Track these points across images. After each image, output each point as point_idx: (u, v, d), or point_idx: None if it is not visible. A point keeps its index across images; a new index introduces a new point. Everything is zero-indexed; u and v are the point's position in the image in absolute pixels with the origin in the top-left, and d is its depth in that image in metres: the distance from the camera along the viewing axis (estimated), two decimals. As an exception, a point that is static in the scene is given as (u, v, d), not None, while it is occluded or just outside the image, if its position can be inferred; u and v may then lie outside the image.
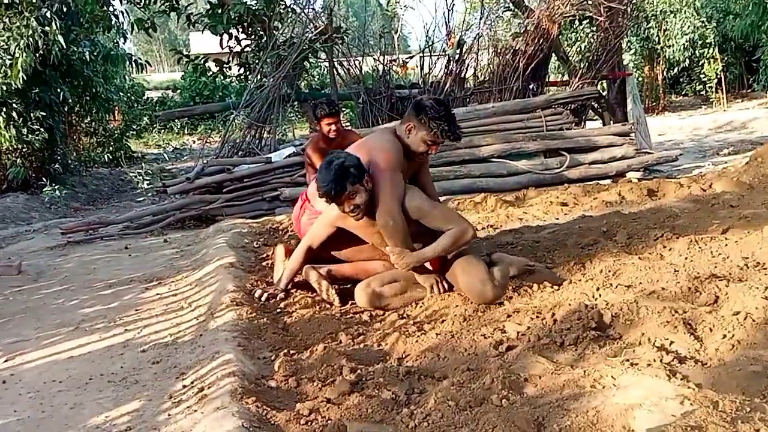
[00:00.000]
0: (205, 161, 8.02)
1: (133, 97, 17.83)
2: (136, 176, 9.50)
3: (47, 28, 8.76)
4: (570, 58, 10.88)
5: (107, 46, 11.67)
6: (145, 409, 2.80)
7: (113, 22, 10.65)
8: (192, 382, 2.95)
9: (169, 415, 2.69)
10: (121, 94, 15.48)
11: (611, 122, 9.67)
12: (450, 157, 7.60)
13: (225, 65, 11.10)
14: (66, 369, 3.36)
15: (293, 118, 14.21)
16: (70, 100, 10.88)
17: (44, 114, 9.92)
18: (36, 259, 6.12)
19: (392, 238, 3.71)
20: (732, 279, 3.31)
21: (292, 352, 3.22)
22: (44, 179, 9.81)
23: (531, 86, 9.61)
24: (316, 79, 14.25)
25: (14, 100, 9.45)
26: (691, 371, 2.45)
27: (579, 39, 12.74)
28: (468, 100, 9.66)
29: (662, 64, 18.09)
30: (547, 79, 10.60)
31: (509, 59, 9.51)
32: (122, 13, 10.90)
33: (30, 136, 9.69)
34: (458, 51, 9.69)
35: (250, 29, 10.14)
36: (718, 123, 13.50)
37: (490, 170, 7.67)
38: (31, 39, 8.73)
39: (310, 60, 10.12)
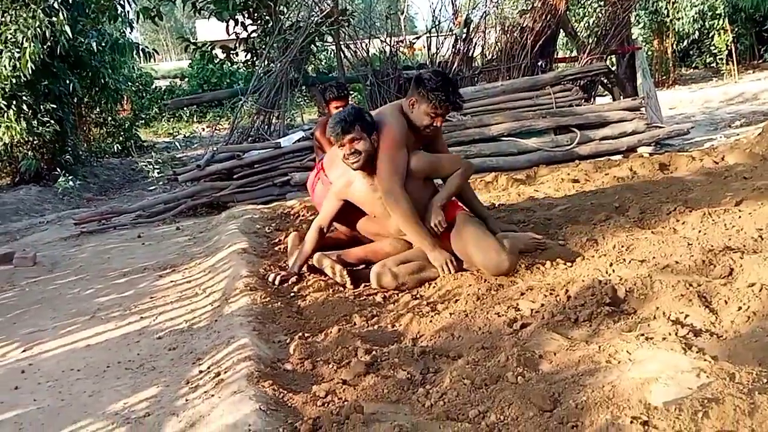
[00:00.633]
0: (214, 148, 8.02)
1: (141, 87, 17.87)
2: (146, 165, 9.54)
3: (54, 19, 8.77)
4: (578, 34, 10.79)
5: (114, 36, 11.66)
6: (162, 395, 2.83)
7: (119, 12, 10.63)
8: (208, 367, 2.98)
9: (186, 400, 2.72)
10: (130, 83, 15.52)
11: (621, 97, 9.58)
12: (460, 137, 7.57)
13: (232, 51, 11.08)
14: (83, 357, 3.39)
15: (301, 102, 14.20)
16: (79, 91, 10.90)
17: (54, 106, 9.96)
18: (50, 250, 6.16)
19: (396, 214, 3.80)
20: (746, 251, 3.29)
21: (306, 335, 3.23)
22: (56, 171, 9.86)
23: (539, 63, 9.54)
24: (323, 63, 14.22)
25: (24, 93, 9.49)
26: (706, 344, 2.44)
27: (587, 14, 12.65)
28: (476, 79, 9.60)
29: (672, 37, 17.89)
30: (555, 56, 10.51)
31: (517, 37, 9.44)
32: (128, 2, 10.88)
33: (40, 128, 9.74)
34: (465, 30, 9.61)
35: (255, 14, 10.12)
36: (729, 95, 13.37)
37: (501, 149, 7.64)
38: (38, 30, 8.76)
39: (317, 44, 10.09)
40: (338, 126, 3.78)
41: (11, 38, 8.91)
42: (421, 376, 2.64)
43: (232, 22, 10.18)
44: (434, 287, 3.69)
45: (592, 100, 9.60)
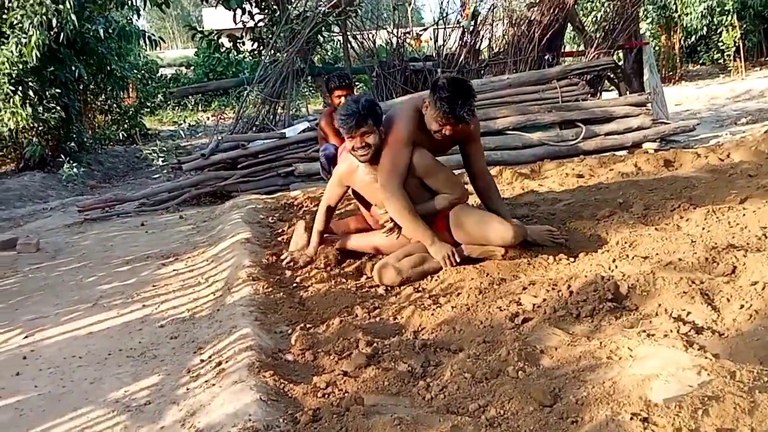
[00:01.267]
0: (219, 137, 8.02)
1: (147, 75, 17.84)
2: (151, 153, 9.53)
3: (60, 6, 8.74)
4: (586, 28, 10.75)
5: (121, 23, 11.64)
6: (163, 384, 2.84)
7: (126, -1, 10.61)
8: (210, 357, 2.98)
9: (187, 389, 2.73)
10: (135, 71, 15.49)
11: (627, 92, 9.55)
12: (465, 130, 7.56)
13: (238, 40, 11.06)
14: (85, 345, 3.41)
15: (307, 93, 14.18)
16: (84, 78, 10.88)
17: (59, 92, 9.95)
18: (53, 237, 6.17)
19: (391, 208, 3.81)
20: (750, 249, 3.28)
21: (308, 326, 3.24)
22: (61, 157, 9.87)
23: (546, 57, 9.50)
24: (329, 54, 14.19)
25: (30, 79, 9.47)
26: (708, 341, 2.44)
27: (595, 8, 12.60)
28: (483, 72, 9.58)
29: (679, 33, 17.81)
30: (562, 50, 10.48)
31: (524, 30, 9.41)
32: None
33: (46, 114, 9.73)
34: (473, 22, 9.58)
35: (263, 3, 10.09)
36: (735, 92, 13.31)
37: (506, 142, 7.63)
38: (44, 17, 8.74)
39: (324, 34, 10.05)
40: (352, 119, 3.70)
41: (17, 24, 8.91)
42: (422, 369, 2.64)
43: (239, 11, 10.16)
44: (436, 280, 3.69)
45: (599, 95, 9.57)
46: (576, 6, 10.66)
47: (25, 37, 8.88)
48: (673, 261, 3.26)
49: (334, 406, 2.32)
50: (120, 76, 11.92)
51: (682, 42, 18.10)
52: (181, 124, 16.07)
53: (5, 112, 9.50)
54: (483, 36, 9.75)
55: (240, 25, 10.43)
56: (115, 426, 2.52)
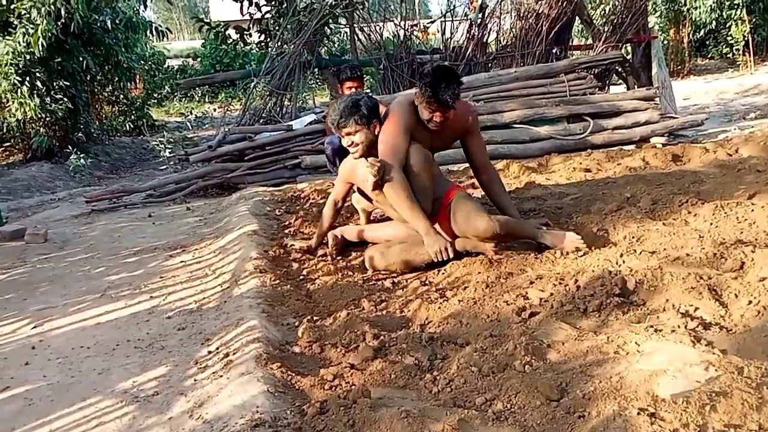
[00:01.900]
0: (226, 129, 8.02)
1: (154, 66, 17.84)
2: (158, 145, 9.55)
3: (68, -4, 8.76)
4: (594, 21, 10.69)
5: (128, 14, 11.64)
6: (171, 375, 2.85)
7: (134, -11, 10.63)
8: (217, 348, 3.00)
9: (195, 380, 2.74)
10: (143, 62, 15.49)
11: (635, 86, 9.52)
12: (472, 124, 7.54)
13: (245, 32, 11.05)
14: (93, 335, 3.42)
15: (314, 85, 14.16)
16: (92, 69, 10.89)
17: (67, 83, 9.97)
18: (61, 228, 6.19)
19: (390, 193, 3.75)
20: (758, 245, 3.26)
21: (315, 318, 3.25)
22: (68, 148, 9.89)
23: (554, 50, 9.46)
24: (336, 46, 14.16)
25: (37, 69, 9.49)
26: (715, 337, 2.44)
27: (603, 1, 12.52)
28: (490, 65, 9.55)
29: (688, 27, 17.72)
30: (570, 43, 10.43)
31: (532, 23, 9.37)
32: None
33: (53, 105, 9.75)
34: (480, 15, 9.55)
35: (270, -5, 10.08)
36: (744, 86, 13.24)
37: (513, 136, 7.61)
38: (52, 7, 8.74)
39: (331, 26, 10.04)
40: (335, 119, 3.91)
41: (26, 14, 8.92)
42: (429, 362, 2.65)
43: (246, 3, 10.15)
44: (443, 274, 3.69)
45: (607, 88, 9.53)
46: (584, -1, 10.61)
47: (32, 28, 8.89)
48: (680, 256, 3.25)
49: (341, 399, 2.33)
50: (127, 67, 11.93)
51: (690, 36, 18.00)
52: (188, 115, 16.10)
53: (13, 102, 9.53)
54: (490, 29, 9.71)
55: (247, 17, 10.41)
56: (123, 416, 2.53)
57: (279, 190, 6.78)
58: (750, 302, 2.62)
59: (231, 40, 11.78)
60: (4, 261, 5.10)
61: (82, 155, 9.61)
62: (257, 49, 13.00)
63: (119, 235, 5.68)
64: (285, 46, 9.20)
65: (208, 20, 12.60)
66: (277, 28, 9.84)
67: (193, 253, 4.83)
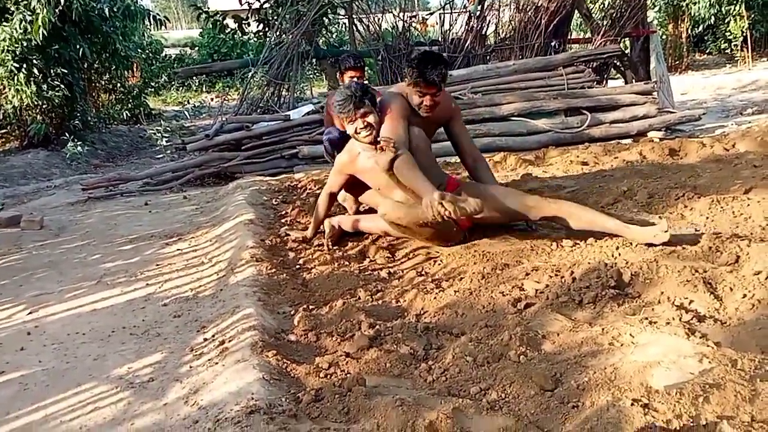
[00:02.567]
0: (223, 118, 8.01)
1: (151, 54, 17.77)
2: (155, 133, 9.52)
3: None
4: (593, 15, 10.68)
5: (126, 2, 11.58)
6: (167, 361, 2.86)
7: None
8: (213, 336, 3.00)
9: (190, 367, 2.74)
10: (140, 50, 15.42)
11: (633, 81, 9.52)
12: (469, 116, 7.53)
13: (243, 22, 11.01)
14: (89, 322, 3.42)
15: (312, 75, 14.13)
16: (89, 57, 10.83)
17: (64, 70, 9.92)
18: (57, 215, 6.19)
19: (405, 175, 3.60)
20: (753, 239, 3.28)
21: (311, 307, 3.25)
22: (65, 136, 9.86)
23: (553, 43, 9.45)
24: (334, 36, 14.12)
25: (34, 57, 9.45)
26: (710, 330, 2.45)
27: (602, -5, 12.47)
28: (489, 57, 9.53)
29: (687, 22, 17.71)
30: (569, 37, 10.42)
31: (531, 16, 9.35)
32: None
33: (50, 92, 9.71)
34: (479, 7, 9.53)
35: (269, -16, 10.05)
36: (742, 82, 13.25)
37: (511, 129, 7.60)
38: (51, -6, 8.71)
39: (329, 16, 10.01)
40: (349, 102, 3.81)
41: (24, 1, 8.87)
42: (424, 351, 2.66)
43: (244, -8, 10.12)
44: (439, 264, 3.70)
45: (605, 82, 9.53)
46: (584, -7, 10.58)
47: (30, 15, 8.85)
48: (676, 249, 3.26)
49: (336, 387, 2.33)
50: (124, 55, 11.88)
51: (689, 31, 17.99)
52: (186, 104, 16.05)
53: (9, 89, 9.50)
54: (489, 21, 9.70)
55: (245, 6, 10.38)
56: (119, 402, 2.53)
57: (276, 179, 6.77)
58: (744, 295, 2.64)
59: (229, 30, 11.73)
60: (-1, 247, 5.10)
61: (78, 143, 9.58)
62: (255, 39, 12.97)
63: (115, 223, 5.67)
64: (283, 36, 9.17)
65: (206, 9, 12.55)
66: (275, 17, 9.81)
67: (189, 242, 4.83)
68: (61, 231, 5.54)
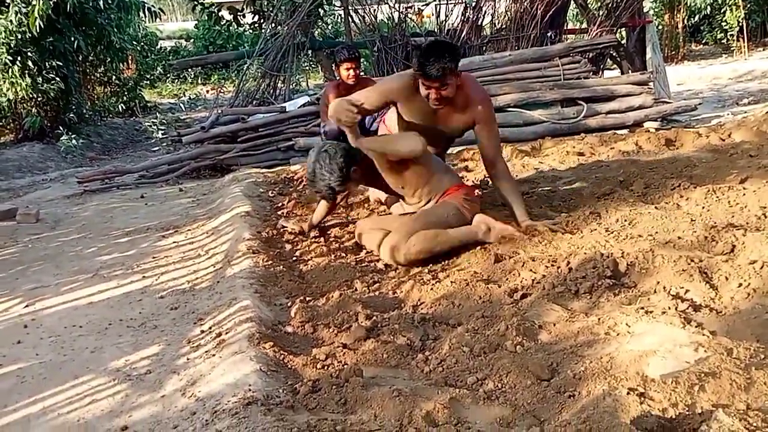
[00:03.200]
0: (219, 111, 7.99)
1: (146, 47, 17.70)
2: (150, 126, 9.49)
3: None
4: (589, 5, 10.66)
5: (120, -6, 11.55)
6: (164, 353, 2.86)
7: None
8: (210, 328, 3.00)
9: (187, 359, 2.75)
10: (135, 43, 15.36)
11: (629, 71, 9.51)
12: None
13: (239, 13, 10.98)
14: (86, 314, 3.42)
15: (307, 67, 14.08)
16: (84, 49, 10.79)
17: (59, 63, 9.88)
18: (53, 208, 6.17)
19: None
20: (749, 228, 3.29)
21: (308, 299, 3.25)
22: (60, 129, 9.83)
23: (549, 34, 9.43)
24: (330, 28, 14.08)
25: (29, 49, 9.41)
26: (705, 319, 2.46)
27: (598, -15, 12.43)
28: (485, 48, 9.52)
29: (683, 12, 17.67)
30: (565, 27, 10.40)
31: (527, 6, 9.33)
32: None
33: (45, 85, 9.67)
34: (475, -2, 9.51)
35: (264, -24, 10.02)
36: (738, 72, 13.24)
37: (507, 120, 7.59)
38: (46, -15, 8.67)
39: (325, 7, 9.98)
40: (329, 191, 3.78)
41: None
42: (421, 342, 2.66)
43: (239, -16, 10.08)
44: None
45: (601, 73, 9.52)
46: (579, -17, 10.56)
47: (25, 7, 8.81)
48: (672, 239, 3.26)
49: (333, 378, 2.34)
50: (119, 47, 11.82)
51: (685, 21, 17.95)
52: (181, 97, 15.99)
53: (4, 82, 9.45)
54: (485, 12, 9.67)
55: (241, -2, 10.35)
56: (116, 394, 2.54)
57: (272, 171, 6.77)
58: (740, 285, 2.64)
59: (224, 21, 11.70)
60: (-5, 240, 5.09)
61: (73, 136, 9.55)
62: (251, 31, 12.93)
63: (111, 216, 5.66)
64: (279, 27, 9.15)
65: (201, 1, 12.49)
66: (270, 9, 9.78)
67: (185, 234, 4.83)
68: (57, 224, 5.53)
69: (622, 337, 2.34)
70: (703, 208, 3.73)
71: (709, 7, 16.88)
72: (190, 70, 17.84)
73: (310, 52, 10.03)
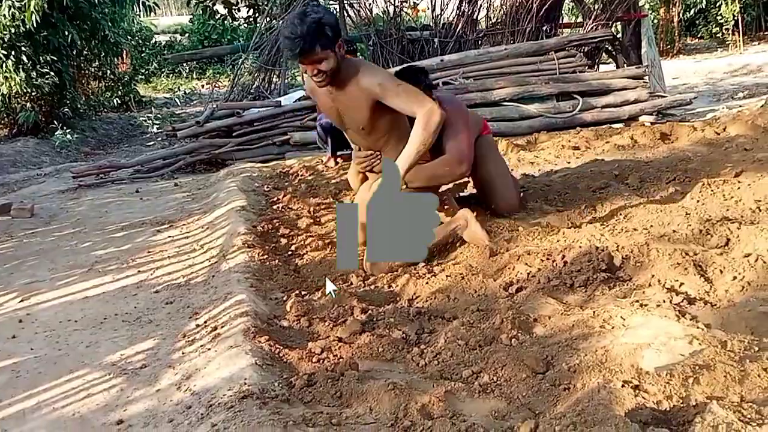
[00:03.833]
0: (214, 105, 7.97)
1: (141, 41, 17.64)
2: (145, 120, 9.47)
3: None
4: (584, -1, 10.67)
5: (115, -12, 11.50)
6: (159, 348, 2.86)
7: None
8: (205, 322, 3.00)
9: (183, 353, 2.74)
10: (130, 37, 15.30)
11: (625, 65, 9.51)
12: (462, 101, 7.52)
13: (234, 7, 10.95)
14: (81, 309, 3.42)
15: (303, 61, 14.05)
16: (78, 44, 10.74)
17: (53, 58, 9.83)
18: (48, 203, 6.16)
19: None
20: (744, 222, 3.30)
21: (303, 293, 3.25)
22: (54, 123, 9.80)
23: (544, 28, 9.44)
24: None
25: (23, 44, 9.37)
26: (700, 312, 2.47)
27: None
28: (480, 42, 9.52)
29: (678, 6, 17.68)
30: (560, 21, 10.40)
31: (522, 0, 9.33)
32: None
33: (39, 79, 9.63)
34: (470, -8, 9.50)
35: (259, -30, 9.99)
36: (733, 66, 13.26)
37: (502, 114, 7.59)
38: (41, -22, 8.62)
39: (320, 1, 9.96)
40: (296, 46, 3.11)
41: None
42: (416, 336, 2.66)
43: (234, -22, 10.06)
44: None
45: (596, 67, 9.52)
46: (575, -23, 10.56)
47: (19, 1, 8.76)
48: (667, 233, 3.27)
49: (328, 371, 2.34)
50: (114, 42, 11.76)
51: (680, 15, 17.96)
52: (176, 91, 15.95)
53: (-2, 76, 9.42)
54: (481, 5, 9.67)
55: (236, -8, 10.33)
56: (111, 388, 2.53)
57: (267, 166, 6.76)
58: (734, 278, 2.65)
59: (219, 15, 11.69)
60: (-10, 235, 5.08)
61: (68, 131, 9.53)
62: (246, 25, 12.90)
63: (106, 210, 5.65)
64: (273, 21, 9.13)
65: (196, -5, 12.47)
66: (265, 3, 9.75)
67: (180, 229, 4.82)
68: (52, 219, 5.52)
69: (616, 330, 2.35)
70: (698, 201, 3.74)
71: (704, 1, 16.88)
72: (185, 64, 17.79)
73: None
